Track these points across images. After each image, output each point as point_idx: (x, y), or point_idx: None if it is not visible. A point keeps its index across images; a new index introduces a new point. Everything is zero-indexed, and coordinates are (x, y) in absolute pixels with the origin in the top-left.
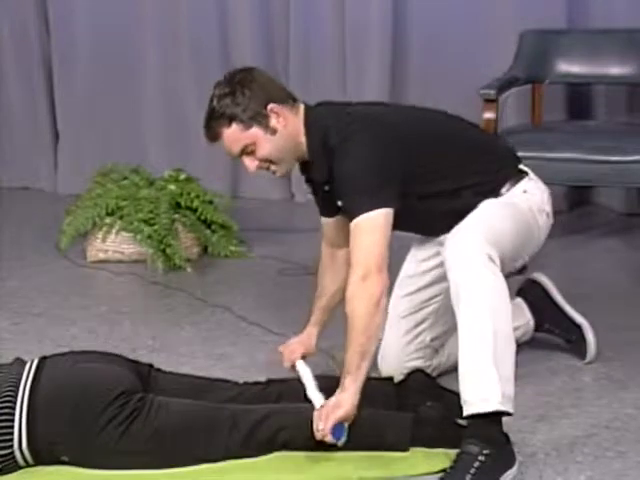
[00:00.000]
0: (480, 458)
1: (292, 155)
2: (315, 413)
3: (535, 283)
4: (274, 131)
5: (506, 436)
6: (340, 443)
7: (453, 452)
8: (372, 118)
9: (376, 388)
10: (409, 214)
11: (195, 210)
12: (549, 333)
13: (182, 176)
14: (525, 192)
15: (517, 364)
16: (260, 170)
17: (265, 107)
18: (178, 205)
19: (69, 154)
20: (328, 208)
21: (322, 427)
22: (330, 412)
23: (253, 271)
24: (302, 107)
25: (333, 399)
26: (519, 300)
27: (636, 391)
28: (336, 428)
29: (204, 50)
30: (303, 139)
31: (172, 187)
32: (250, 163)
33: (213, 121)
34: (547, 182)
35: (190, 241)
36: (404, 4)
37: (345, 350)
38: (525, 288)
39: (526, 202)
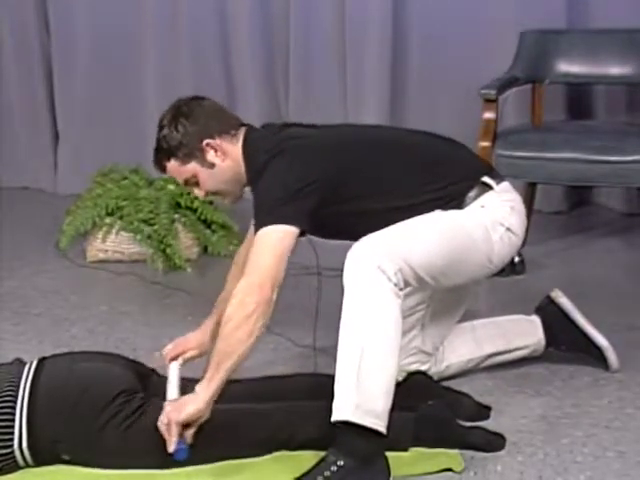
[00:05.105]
0: (332, 468)
1: (237, 185)
2: (165, 404)
3: (553, 304)
4: (212, 165)
5: (379, 453)
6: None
7: (453, 452)
8: (300, 140)
9: None
10: (360, 227)
11: (195, 210)
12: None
13: None
14: (483, 207)
15: (517, 364)
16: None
17: (200, 142)
18: (178, 205)
19: (69, 154)
20: None
21: (165, 421)
22: (171, 412)
23: None
24: (243, 133)
25: (183, 398)
26: (536, 318)
27: (636, 391)
28: (179, 449)
29: (204, 50)
30: (243, 167)
31: (172, 187)
32: (198, 192)
33: (157, 154)
34: (547, 182)
35: (190, 241)
36: (404, 4)
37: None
38: (543, 307)
39: (479, 217)
